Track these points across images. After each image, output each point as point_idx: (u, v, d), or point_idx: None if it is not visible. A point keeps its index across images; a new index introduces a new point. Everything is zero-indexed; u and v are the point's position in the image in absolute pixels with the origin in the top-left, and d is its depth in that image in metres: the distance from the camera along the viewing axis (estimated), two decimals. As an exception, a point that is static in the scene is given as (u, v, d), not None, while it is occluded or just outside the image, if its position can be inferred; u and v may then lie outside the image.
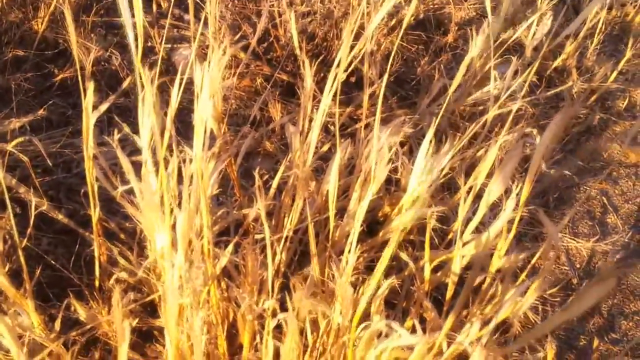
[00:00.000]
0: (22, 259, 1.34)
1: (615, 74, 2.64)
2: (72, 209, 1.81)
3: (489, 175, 1.87)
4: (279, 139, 2.16)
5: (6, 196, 1.32)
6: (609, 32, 3.04)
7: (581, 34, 2.65)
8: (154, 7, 2.45)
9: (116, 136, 1.33)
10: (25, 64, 2.19)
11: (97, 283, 1.57)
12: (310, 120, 1.61)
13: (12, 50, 2.18)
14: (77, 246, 1.71)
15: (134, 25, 1.05)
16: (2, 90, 2.09)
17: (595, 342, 1.87)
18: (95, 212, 1.44)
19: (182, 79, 1.22)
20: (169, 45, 2.42)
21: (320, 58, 2.39)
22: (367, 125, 2.18)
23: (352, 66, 2.23)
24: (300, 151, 1.60)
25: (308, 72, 1.58)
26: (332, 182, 1.41)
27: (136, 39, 1.06)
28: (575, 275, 2.04)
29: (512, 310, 1.30)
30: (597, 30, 2.80)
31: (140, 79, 1.07)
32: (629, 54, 2.65)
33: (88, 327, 1.51)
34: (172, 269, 1.09)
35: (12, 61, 2.17)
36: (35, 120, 2.02)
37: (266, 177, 2.02)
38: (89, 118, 1.31)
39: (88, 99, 1.27)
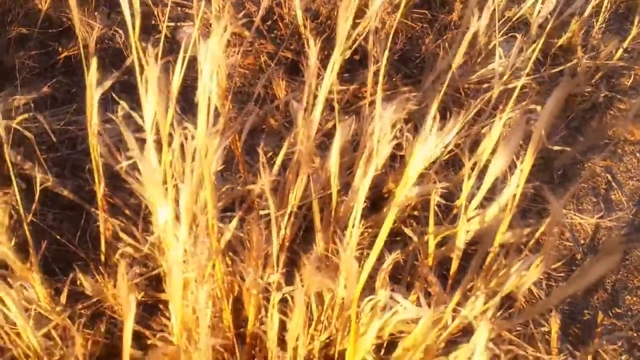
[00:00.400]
0: (27, 233, 1.35)
1: (620, 51, 2.63)
2: (77, 184, 1.81)
3: (493, 151, 1.87)
4: (283, 116, 2.16)
5: (11, 172, 1.32)
6: (614, 10, 3.02)
7: (586, 12, 2.63)
8: (158, -15, 2.45)
9: (120, 113, 1.34)
10: (29, 42, 2.19)
11: (102, 257, 1.58)
12: (315, 97, 1.61)
13: (16, 28, 2.18)
14: (83, 221, 1.72)
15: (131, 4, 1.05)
16: (7, 68, 2.09)
17: (600, 317, 1.88)
18: (100, 188, 1.44)
19: (185, 57, 1.23)
20: (173, 24, 2.41)
21: (325, 36, 2.39)
22: (371, 103, 2.18)
23: (356, 44, 2.23)
24: (304, 127, 1.60)
25: (312, 50, 1.58)
26: (334, 158, 1.41)
27: (134, 16, 1.07)
28: (579, 251, 2.04)
29: (516, 284, 1.31)
30: (603, 9, 2.79)
31: (142, 55, 1.08)
32: (634, 31, 2.64)
33: (94, 300, 1.52)
34: (176, 242, 1.10)
35: (16, 39, 2.17)
36: (40, 98, 2.02)
37: (270, 154, 2.03)
38: (93, 94, 1.31)
39: (91, 75, 1.28)
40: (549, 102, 1.05)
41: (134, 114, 1.26)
